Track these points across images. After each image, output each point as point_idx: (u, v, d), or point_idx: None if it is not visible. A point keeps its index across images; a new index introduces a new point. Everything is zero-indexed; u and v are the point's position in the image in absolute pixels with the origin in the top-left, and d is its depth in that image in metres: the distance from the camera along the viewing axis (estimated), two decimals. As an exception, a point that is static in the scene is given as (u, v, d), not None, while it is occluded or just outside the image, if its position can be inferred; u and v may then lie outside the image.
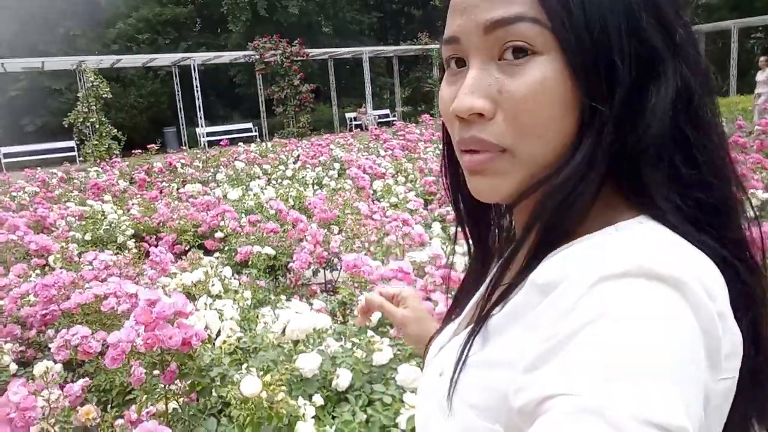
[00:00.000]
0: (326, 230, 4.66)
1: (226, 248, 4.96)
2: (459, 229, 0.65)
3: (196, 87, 19.07)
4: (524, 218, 0.51)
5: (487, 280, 0.54)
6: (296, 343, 2.02)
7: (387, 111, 24.78)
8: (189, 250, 5.35)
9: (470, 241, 0.65)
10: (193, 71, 19.03)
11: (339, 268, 4.66)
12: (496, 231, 0.65)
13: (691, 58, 0.47)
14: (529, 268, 0.48)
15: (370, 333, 2.20)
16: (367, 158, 8.71)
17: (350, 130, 20.08)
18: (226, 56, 20.85)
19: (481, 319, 0.51)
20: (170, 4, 26.15)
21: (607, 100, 0.45)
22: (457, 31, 0.50)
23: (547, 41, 0.45)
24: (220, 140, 14.09)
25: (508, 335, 0.47)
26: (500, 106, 0.47)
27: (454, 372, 0.50)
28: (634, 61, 0.45)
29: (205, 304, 2.89)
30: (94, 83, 16.10)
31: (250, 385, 1.50)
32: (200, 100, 19.31)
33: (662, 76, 0.45)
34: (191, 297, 3.43)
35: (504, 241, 0.65)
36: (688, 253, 0.43)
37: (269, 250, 3.94)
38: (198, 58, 19.71)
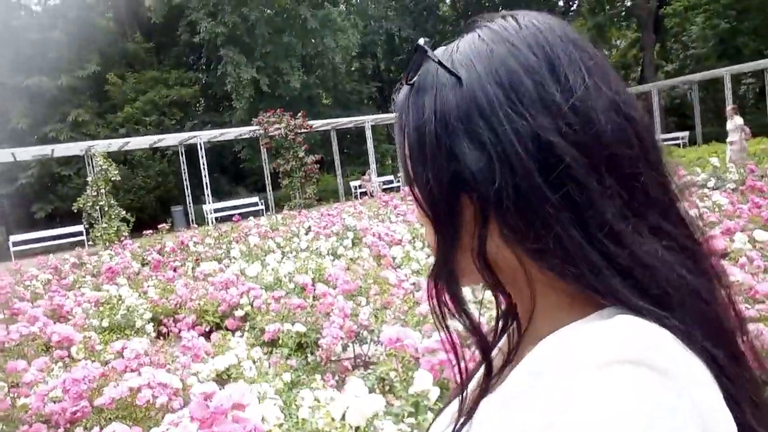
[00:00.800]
0: (352, 302, 4.54)
1: (249, 327, 4.83)
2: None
3: (203, 164, 19.36)
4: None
5: (483, 367, 0.56)
6: (357, 429, 1.88)
7: (390, 177, 25.04)
8: (211, 331, 5.23)
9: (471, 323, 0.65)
10: (199, 149, 19.37)
11: (369, 341, 4.51)
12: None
13: (508, 150, 0.47)
14: (518, 360, 0.50)
15: (429, 415, 2.06)
16: (380, 225, 8.67)
17: (356, 198, 20.23)
18: (232, 132, 21.27)
19: (469, 412, 0.53)
20: (176, 86, 26.97)
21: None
22: None
23: None
24: (228, 216, 14.13)
25: (503, 418, 0.48)
26: None
27: None
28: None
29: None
30: (103, 167, 16.35)
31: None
32: (207, 177, 19.55)
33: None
34: (224, 382, 3.29)
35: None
36: (671, 343, 0.43)
37: (300, 327, 3.81)
38: (204, 135, 20.12)
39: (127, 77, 26.14)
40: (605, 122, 0.47)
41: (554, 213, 0.46)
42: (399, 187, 22.66)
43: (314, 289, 4.53)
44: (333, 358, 4.28)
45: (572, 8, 33.17)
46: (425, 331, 3.48)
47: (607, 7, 33.88)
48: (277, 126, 18.85)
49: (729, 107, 14.68)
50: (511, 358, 0.56)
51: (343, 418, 1.87)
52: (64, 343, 4.02)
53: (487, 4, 32.32)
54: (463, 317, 0.55)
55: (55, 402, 3.09)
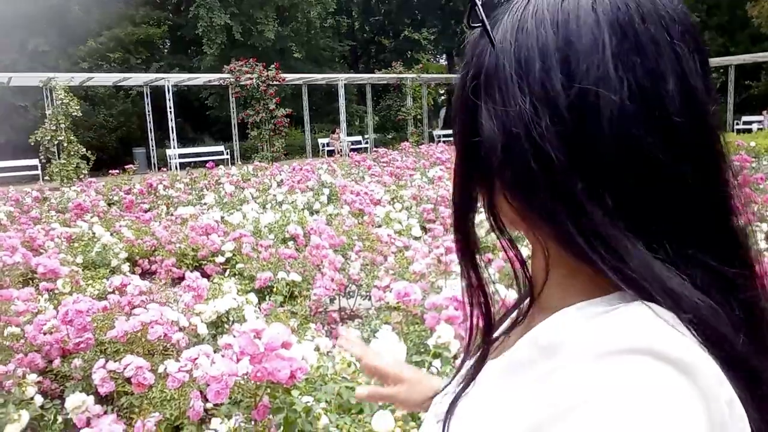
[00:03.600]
0: (341, 256, 4.59)
1: (231, 273, 4.83)
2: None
3: (170, 108, 18.78)
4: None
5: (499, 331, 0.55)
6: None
7: (359, 138, 24.89)
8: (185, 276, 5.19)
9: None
10: (167, 92, 18.74)
11: (356, 294, 4.58)
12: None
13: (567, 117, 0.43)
14: (528, 326, 0.49)
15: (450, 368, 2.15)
16: (356, 185, 8.69)
17: (323, 156, 20.08)
18: (201, 78, 20.63)
19: (473, 374, 0.53)
20: (143, 23, 25.83)
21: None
22: None
23: None
24: (192, 162, 13.81)
25: (507, 388, 0.47)
26: None
27: (446, 418, 0.52)
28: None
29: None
30: (64, 101, 15.67)
31: (383, 421, 1.43)
32: (173, 121, 19.00)
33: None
34: (222, 325, 3.31)
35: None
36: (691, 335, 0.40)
37: (295, 277, 3.84)
38: (172, 78, 19.45)
39: (91, 10, 24.85)
40: (610, 128, 0.42)
41: (545, 202, 0.44)
42: (367, 148, 22.60)
43: (305, 242, 4.55)
44: (320, 310, 4.35)
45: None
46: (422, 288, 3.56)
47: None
48: (249, 76, 18.38)
49: None
50: (520, 321, 0.56)
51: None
52: (49, 276, 3.95)
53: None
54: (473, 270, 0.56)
55: (48, 333, 3.06)
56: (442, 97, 35.48)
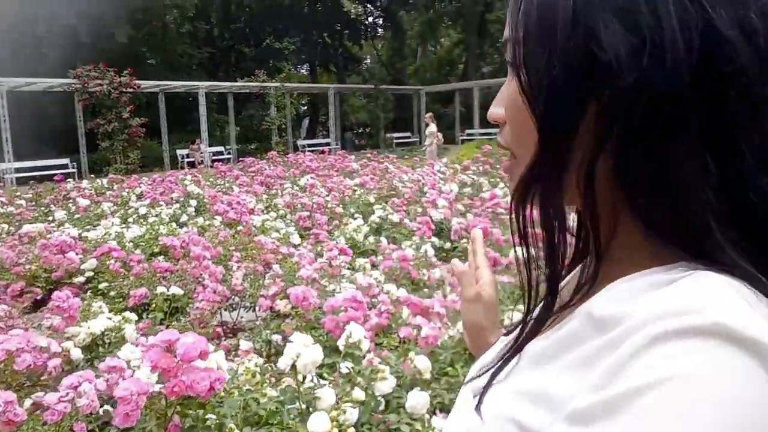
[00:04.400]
0: (222, 267, 4.39)
1: (93, 293, 4.42)
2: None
3: (4, 117, 16.83)
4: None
5: (543, 302, 0.50)
6: (305, 378, 1.88)
7: (221, 148, 24.04)
8: (43, 299, 4.67)
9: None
10: (1, 99, 16.79)
11: (239, 306, 4.40)
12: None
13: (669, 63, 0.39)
14: (584, 295, 0.45)
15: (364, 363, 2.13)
16: (228, 194, 8.38)
17: (182, 168, 19.12)
18: (41, 83, 18.71)
19: (518, 346, 0.49)
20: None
21: (546, 129, 0.44)
22: None
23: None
24: (32, 177, 12.42)
25: (554, 366, 0.43)
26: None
27: (482, 393, 0.50)
28: (566, 72, 0.42)
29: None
30: None
31: (319, 421, 1.37)
32: (8, 131, 17.05)
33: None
34: (97, 349, 3.01)
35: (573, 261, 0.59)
36: None
37: (177, 290, 3.59)
38: (6, 83, 17.44)
39: None
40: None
41: (690, 137, 0.39)
42: (230, 158, 21.88)
43: (182, 254, 4.28)
44: (202, 324, 4.12)
45: (410, 1, 34.52)
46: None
47: (441, 5, 35.91)
48: (99, 82, 17.01)
49: (427, 115, 16.52)
50: (575, 299, 0.48)
51: (293, 368, 1.86)
52: None
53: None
54: (559, 237, 0.47)
55: None
56: (304, 108, 35.44)
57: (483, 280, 0.78)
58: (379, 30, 38.75)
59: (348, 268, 4.23)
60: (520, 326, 0.51)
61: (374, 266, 4.31)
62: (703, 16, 0.39)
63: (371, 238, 6.02)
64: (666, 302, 0.36)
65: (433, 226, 5.53)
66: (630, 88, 0.39)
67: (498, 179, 9.44)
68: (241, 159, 14.20)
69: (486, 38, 35.04)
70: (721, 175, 0.39)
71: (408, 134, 29.79)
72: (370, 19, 37.49)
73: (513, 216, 0.51)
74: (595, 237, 0.46)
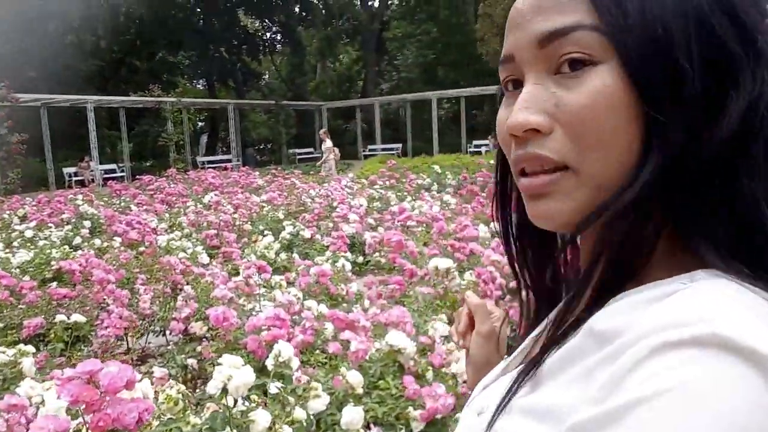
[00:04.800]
0: (128, 290, 4.13)
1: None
2: (510, 265, 0.60)
3: None
4: (589, 252, 0.47)
5: (546, 320, 0.49)
6: (235, 402, 1.80)
7: (113, 165, 22.75)
8: None
9: (523, 279, 0.59)
10: None
11: (148, 332, 4.16)
12: (554, 267, 0.58)
13: None
14: (589, 312, 0.44)
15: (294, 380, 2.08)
16: (128, 213, 7.92)
17: (69, 187, 17.88)
18: None
19: (535, 362, 0.46)
20: None
21: (673, 109, 0.40)
22: (510, 48, 0.47)
23: (606, 48, 0.41)
24: None
25: (557, 383, 0.43)
26: (558, 121, 0.43)
27: (495, 413, 0.47)
28: (705, 66, 0.40)
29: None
30: None
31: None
32: None
33: (739, 84, 0.40)
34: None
35: (564, 278, 0.59)
36: None
37: (79, 318, 3.33)
38: None
39: None
40: None
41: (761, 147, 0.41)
42: (124, 176, 20.72)
43: (81, 278, 3.98)
44: (106, 353, 3.85)
45: (308, 17, 34.57)
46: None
47: (339, 22, 36.28)
48: (-31, 95, 15.57)
49: (321, 131, 16.75)
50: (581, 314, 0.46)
51: (223, 391, 1.77)
52: None
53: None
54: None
55: None
56: (202, 123, 34.36)
57: (495, 315, 0.76)
58: (278, 46, 38.48)
59: (263, 287, 4.13)
60: (537, 342, 0.49)
61: (290, 283, 4.23)
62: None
63: (283, 255, 5.92)
64: (665, 314, 0.36)
65: (347, 240, 5.54)
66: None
67: (405, 193, 9.62)
68: (137, 177, 13.49)
69: (384, 55, 35.81)
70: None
71: (311, 150, 29.70)
72: (269, 34, 37.17)
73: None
74: (651, 242, 0.43)
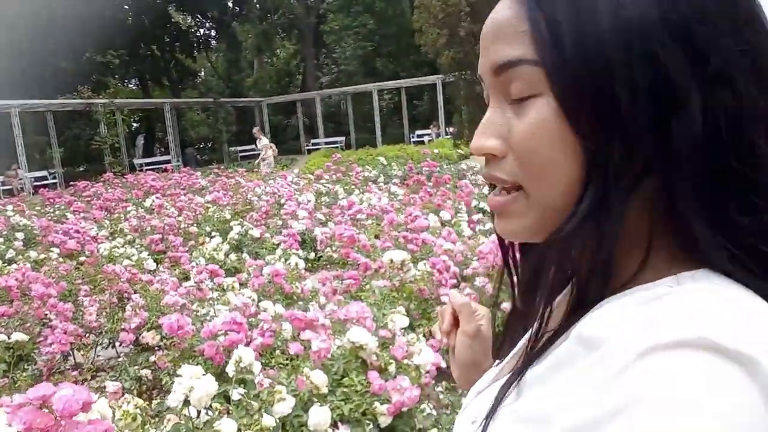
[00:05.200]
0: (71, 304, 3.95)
1: None
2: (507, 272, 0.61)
3: None
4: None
5: (533, 328, 0.49)
6: (199, 413, 1.75)
7: (44, 172, 21.68)
8: None
9: (517, 277, 0.60)
10: None
11: (95, 345, 4.00)
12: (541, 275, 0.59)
13: (741, 83, 0.40)
14: (575, 316, 0.45)
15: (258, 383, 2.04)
16: (64, 222, 7.57)
17: (-4, 197, 16.96)
18: None
19: (520, 370, 0.47)
20: None
21: (610, 141, 0.40)
22: (479, 70, 0.49)
23: (545, 82, 0.42)
24: None
25: (546, 389, 0.43)
26: (510, 147, 0.45)
27: (485, 421, 0.48)
28: (651, 91, 0.40)
29: None
30: None
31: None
32: None
33: (685, 109, 0.40)
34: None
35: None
36: (762, 321, 0.36)
37: (21, 336, 3.16)
38: None
39: None
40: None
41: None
42: (56, 183, 19.80)
43: (19, 294, 3.78)
44: (52, 371, 3.68)
45: (242, 12, 33.82)
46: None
47: (274, 16, 35.68)
48: None
49: (255, 129, 16.88)
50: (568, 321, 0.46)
51: (185, 403, 1.72)
52: None
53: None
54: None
55: None
56: (136, 124, 33.21)
57: (479, 314, 0.75)
58: (213, 42, 37.51)
59: (215, 290, 4.04)
60: (524, 353, 0.50)
61: (242, 284, 4.15)
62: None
63: (233, 256, 5.80)
64: (652, 318, 0.37)
65: (298, 238, 5.47)
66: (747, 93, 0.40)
67: (353, 186, 9.59)
68: (71, 183, 12.91)
69: (322, 48, 35.48)
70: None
71: (252, 147, 29.15)
72: (202, 30, 36.16)
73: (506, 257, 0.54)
74: (608, 266, 0.43)
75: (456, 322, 0.76)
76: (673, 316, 0.36)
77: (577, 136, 0.41)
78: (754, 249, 0.40)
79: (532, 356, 0.47)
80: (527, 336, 0.56)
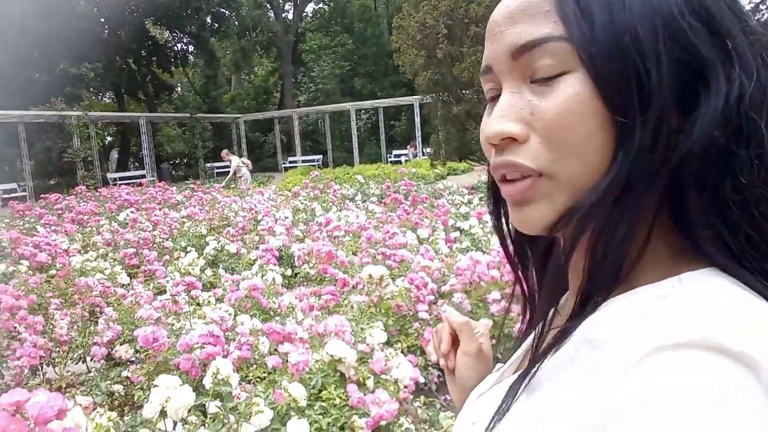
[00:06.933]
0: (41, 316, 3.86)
1: None
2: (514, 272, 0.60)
3: None
4: (579, 259, 0.46)
5: (537, 329, 0.49)
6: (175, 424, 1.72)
7: (13, 185, 21.25)
8: None
9: (524, 278, 0.60)
10: None
11: (66, 360, 3.90)
12: (548, 274, 0.59)
13: (753, 68, 0.41)
14: (580, 316, 0.44)
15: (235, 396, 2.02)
16: (35, 235, 7.40)
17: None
18: None
19: (527, 371, 0.46)
20: None
21: (640, 114, 0.40)
22: (488, 60, 0.49)
23: (575, 58, 0.42)
24: None
25: (552, 389, 0.43)
26: (533, 129, 0.44)
27: (491, 422, 0.47)
28: (676, 70, 0.41)
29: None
30: None
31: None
32: None
33: (711, 86, 0.41)
34: None
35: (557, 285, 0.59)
36: (764, 321, 0.36)
37: (-12, 350, 3.08)
38: None
39: None
40: None
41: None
42: (25, 196, 19.40)
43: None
44: (22, 385, 3.58)
45: (221, 28, 33.81)
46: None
47: (253, 33, 35.76)
48: None
49: (223, 152, 16.73)
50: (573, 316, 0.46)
51: (161, 414, 1.70)
52: None
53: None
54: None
55: None
56: (110, 138, 32.82)
57: (478, 332, 0.73)
58: (190, 57, 37.39)
59: (191, 304, 3.99)
60: (530, 354, 0.49)
61: (218, 299, 4.11)
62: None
63: (208, 271, 5.74)
64: (657, 318, 0.37)
65: (276, 253, 5.45)
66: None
67: (330, 204, 9.59)
68: (42, 196, 12.66)
69: (300, 67, 35.62)
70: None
71: (228, 162, 28.99)
72: (180, 45, 36.05)
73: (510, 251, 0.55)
74: (621, 249, 0.43)
75: (454, 342, 0.73)
76: (678, 316, 0.36)
77: (609, 110, 0.41)
78: (756, 249, 0.41)
79: (538, 357, 0.46)
80: (530, 338, 0.55)
